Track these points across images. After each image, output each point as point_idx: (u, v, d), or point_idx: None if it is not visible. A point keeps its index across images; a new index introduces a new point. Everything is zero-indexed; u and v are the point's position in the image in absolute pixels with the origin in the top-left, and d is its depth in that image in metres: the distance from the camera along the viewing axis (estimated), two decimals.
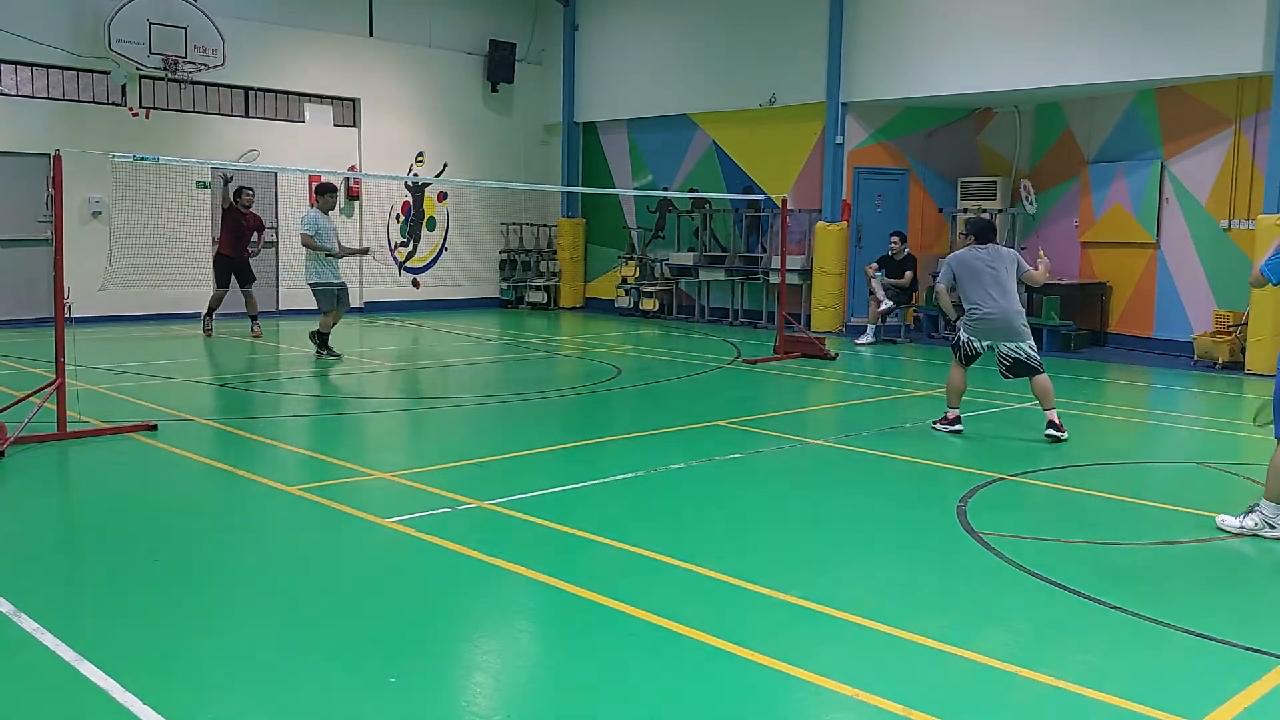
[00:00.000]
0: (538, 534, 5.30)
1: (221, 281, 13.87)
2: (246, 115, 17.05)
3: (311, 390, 10.26)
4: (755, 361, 12.30)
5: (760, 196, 16.70)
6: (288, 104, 17.53)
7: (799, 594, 4.41)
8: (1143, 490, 6.57)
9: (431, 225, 19.45)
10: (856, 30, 15.58)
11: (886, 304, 14.63)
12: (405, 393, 10.33)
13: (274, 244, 16.84)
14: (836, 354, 12.87)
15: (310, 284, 12.00)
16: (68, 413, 7.37)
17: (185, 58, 15.37)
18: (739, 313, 17.60)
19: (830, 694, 3.48)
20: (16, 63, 14.84)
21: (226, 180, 14.18)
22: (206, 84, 16.34)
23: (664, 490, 6.30)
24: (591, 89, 19.62)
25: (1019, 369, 7.97)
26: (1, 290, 14.97)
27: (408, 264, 19.17)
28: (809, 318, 16.24)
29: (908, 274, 14.73)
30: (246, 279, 13.95)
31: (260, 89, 17.11)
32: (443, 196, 19.51)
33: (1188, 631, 4.08)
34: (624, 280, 19.06)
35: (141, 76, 15.68)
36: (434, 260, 19.52)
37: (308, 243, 11.82)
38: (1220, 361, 12.23)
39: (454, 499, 5.87)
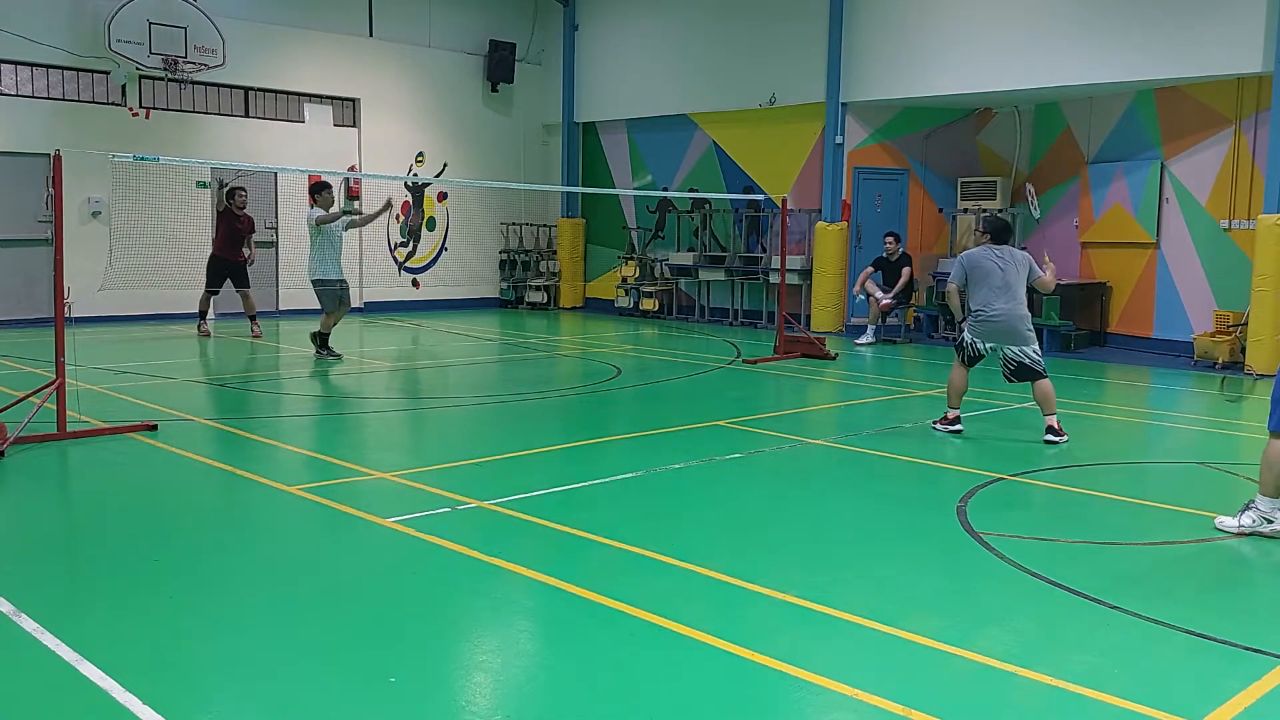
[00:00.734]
0: (538, 534, 5.30)
1: (211, 283, 13.87)
2: (246, 115, 17.04)
3: (311, 390, 10.26)
4: (755, 361, 12.29)
5: (760, 196, 16.70)
6: (287, 104, 17.52)
7: (798, 594, 4.41)
8: (1143, 490, 6.57)
9: (431, 225, 19.44)
10: (856, 30, 15.58)
11: (888, 299, 14.56)
12: (405, 393, 10.33)
13: (274, 244, 16.86)
14: (836, 354, 12.86)
15: (313, 281, 11.98)
16: (68, 413, 7.37)
17: (185, 58, 15.36)
18: (739, 313, 17.59)
19: (830, 694, 3.49)
20: (16, 63, 14.82)
21: (222, 184, 14.19)
22: (206, 84, 16.34)
23: (664, 490, 6.30)
24: (591, 89, 19.61)
25: (1023, 373, 7.96)
26: (1, 290, 14.95)
27: (408, 264, 19.18)
28: (809, 318, 16.23)
29: (905, 270, 14.69)
30: (241, 280, 13.96)
31: (260, 89, 17.10)
32: (442, 196, 19.51)
33: (1188, 631, 4.08)
34: (624, 280, 19.05)
35: (141, 76, 15.67)
36: (434, 260, 19.52)
37: (325, 219, 11.73)
38: (1220, 361, 12.23)
39: (454, 499, 5.87)
